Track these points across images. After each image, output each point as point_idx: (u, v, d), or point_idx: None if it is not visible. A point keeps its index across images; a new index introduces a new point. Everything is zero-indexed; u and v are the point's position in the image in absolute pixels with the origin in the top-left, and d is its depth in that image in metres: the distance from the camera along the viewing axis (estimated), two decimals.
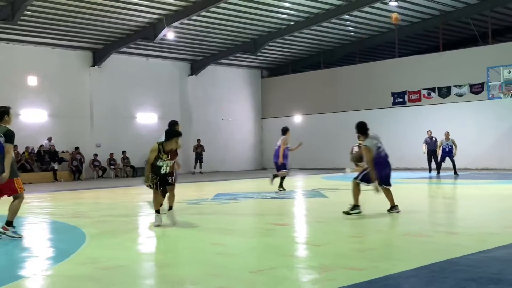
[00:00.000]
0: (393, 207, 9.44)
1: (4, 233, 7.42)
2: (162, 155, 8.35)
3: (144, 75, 28.22)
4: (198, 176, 25.70)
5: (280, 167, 14.53)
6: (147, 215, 10.08)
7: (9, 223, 7.45)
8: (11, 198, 7.50)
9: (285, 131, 14.63)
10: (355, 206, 9.29)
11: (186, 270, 5.65)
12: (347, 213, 9.25)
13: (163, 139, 8.48)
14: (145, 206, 11.73)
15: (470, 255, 5.76)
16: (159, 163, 8.36)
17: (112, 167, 26.71)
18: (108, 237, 7.75)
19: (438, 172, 21.09)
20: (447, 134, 20.85)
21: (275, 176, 14.77)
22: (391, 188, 9.50)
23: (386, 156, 9.49)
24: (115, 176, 26.50)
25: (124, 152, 27.04)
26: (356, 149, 21.76)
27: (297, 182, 20.17)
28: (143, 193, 14.39)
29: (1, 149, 7.22)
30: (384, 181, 9.40)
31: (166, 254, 6.78)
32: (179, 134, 8.63)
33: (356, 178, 9.49)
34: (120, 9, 22.06)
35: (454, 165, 20.68)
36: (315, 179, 21.53)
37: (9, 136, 7.29)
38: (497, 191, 14.51)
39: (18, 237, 7.45)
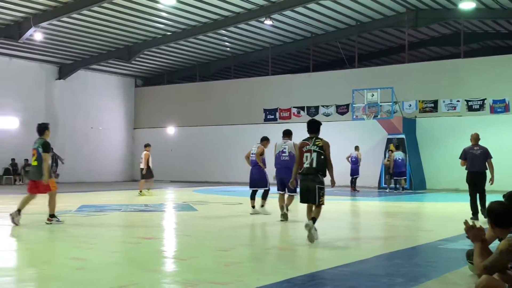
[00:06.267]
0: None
1: (51, 223, 9.43)
2: None
3: (6, 76, 26.25)
4: (60, 186, 24.25)
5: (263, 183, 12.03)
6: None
7: (52, 215, 9.55)
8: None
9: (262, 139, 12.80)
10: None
11: (44, 286, 5.31)
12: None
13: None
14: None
15: (330, 269, 5.96)
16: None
17: None
18: None
19: None
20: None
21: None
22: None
23: (283, 162, 10.55)
24: None
25: None
26: (386, 161, 22.26)
27: (168, 195, 19.86)
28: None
29: (40, 157, 9.32)
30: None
31: (23, 270, 6.24)
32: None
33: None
34: None
35: None
36: (186, 192, 21.34)
37: (46, 146, 9.43)
38: (357, 207, 15.34)
39: (62, 222, 9.58)
